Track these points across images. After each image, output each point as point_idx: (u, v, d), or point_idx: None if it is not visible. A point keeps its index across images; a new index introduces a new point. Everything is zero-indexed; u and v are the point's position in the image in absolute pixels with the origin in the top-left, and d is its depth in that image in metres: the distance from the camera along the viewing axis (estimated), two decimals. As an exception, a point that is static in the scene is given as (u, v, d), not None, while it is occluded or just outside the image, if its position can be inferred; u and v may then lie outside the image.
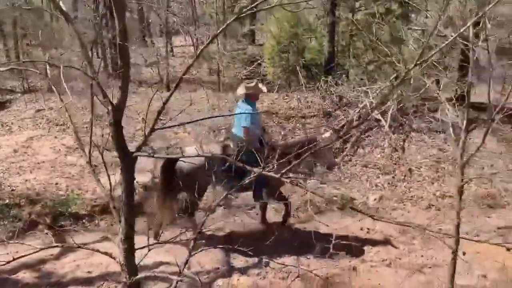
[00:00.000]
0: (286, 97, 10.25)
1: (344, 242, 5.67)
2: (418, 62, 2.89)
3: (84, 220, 6.42)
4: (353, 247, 5.71)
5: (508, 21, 11.27)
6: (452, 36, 4.90)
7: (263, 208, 6.21)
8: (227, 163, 4.18)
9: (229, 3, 13.67)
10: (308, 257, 5.43)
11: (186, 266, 3.19)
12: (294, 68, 10.76)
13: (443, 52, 8.79)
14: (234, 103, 9.88)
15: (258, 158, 3.49)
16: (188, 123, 3.77)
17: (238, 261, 5.36)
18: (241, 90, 5.58)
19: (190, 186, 4.79)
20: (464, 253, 5.81)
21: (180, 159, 5.13)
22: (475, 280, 4.99)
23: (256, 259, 5.24)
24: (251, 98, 5.59)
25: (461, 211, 4.24)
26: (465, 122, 3.22)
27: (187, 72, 2.97)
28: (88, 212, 6.51)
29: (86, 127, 6.38)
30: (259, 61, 12.24)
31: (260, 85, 5.73)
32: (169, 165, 5.36)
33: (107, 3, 11.31)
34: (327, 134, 5.79)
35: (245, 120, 5.33)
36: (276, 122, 9.30)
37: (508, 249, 6.07)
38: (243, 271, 5.19)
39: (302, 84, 10.13)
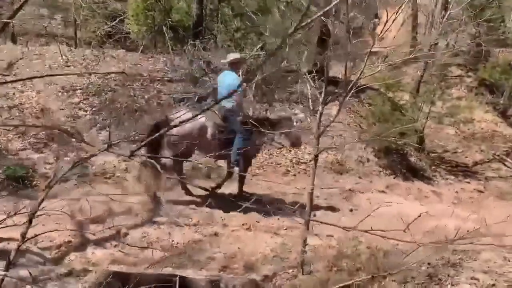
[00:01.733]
0: (151, 59, 9.74)
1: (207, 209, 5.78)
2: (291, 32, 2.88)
3: None
4: (215, 213, 5.83)
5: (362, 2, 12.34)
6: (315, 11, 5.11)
7: (242, 179, 6.14)
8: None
9: None
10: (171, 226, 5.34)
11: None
12: (160, 28, 10.23)
13: (304, 27, 9.20)
14: (93, 60, 9.07)
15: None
16: (31, 78, 3.26)
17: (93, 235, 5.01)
18: (228, 59, 5.78)
19: (179, 148, 5.25)
20: (314, 215, 6.38)
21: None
22: (324, 239, 5.45)
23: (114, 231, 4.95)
24: (237, 67, 5.79)
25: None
26: (323, 95, 3.40)
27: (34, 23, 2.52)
28: None
29: None
30: (122, 17, 11.33)
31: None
32: (157, 129, 5.01)
33: None
34: (300, 115, 6.42)
35: (237, 87, 5.08)
36: (140, 85, 8.81)
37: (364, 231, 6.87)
38: (98, 243, 4.88)
39: (168, 46, 9.71)
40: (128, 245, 4.40)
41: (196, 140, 5.38)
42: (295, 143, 6.62)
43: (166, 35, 9.97)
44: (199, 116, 4.26)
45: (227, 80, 5.68)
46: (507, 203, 8.34)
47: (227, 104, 5.57)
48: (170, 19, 10.45)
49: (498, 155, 11.01)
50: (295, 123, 6.15)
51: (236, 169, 5.90)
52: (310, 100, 9.08)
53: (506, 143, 12.00)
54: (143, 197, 5.71)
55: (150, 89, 8.63)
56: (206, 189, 6.17)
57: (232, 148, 5.57)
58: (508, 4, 15.53)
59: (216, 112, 5.61)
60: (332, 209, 6.67)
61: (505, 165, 10.67)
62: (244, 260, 4.57)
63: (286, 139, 6.42)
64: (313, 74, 8.38)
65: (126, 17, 11.21)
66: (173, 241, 4.96)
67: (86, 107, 7.72)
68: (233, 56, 5.89)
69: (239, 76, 5.89)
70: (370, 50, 3.27)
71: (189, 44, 9.48)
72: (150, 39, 10.43)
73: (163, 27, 10.21)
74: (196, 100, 7.92)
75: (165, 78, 9.08)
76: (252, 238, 5.15)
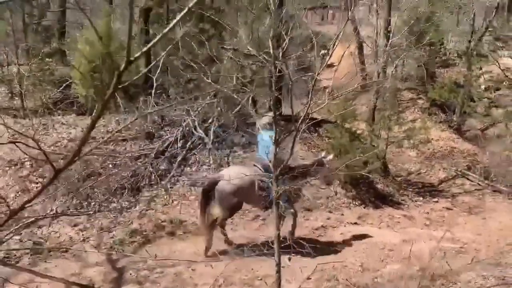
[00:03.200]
0: (103, 120, 9.49)
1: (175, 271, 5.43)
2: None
3: None
4: (185, 273, 5.49)
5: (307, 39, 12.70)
6: (260, 55, 5.10)
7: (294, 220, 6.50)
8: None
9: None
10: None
11: None
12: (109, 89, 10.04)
13: (254, 71, 9.30)
14: (43, 129, 8.74)
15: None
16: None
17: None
18: (265, 120, 6.32)
19: (228, 204, 5.95)
20: (289, 259, 6.13)
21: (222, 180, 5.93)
22: (301, 284, 5.20)
23: None
24: (272, 127, 5.91)
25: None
26: (274, 134, 3.29)
27: None
28: None
29: None
30: (68, 82, 11.11)
31: None
32: (210, 187, 6.05)
33: None
34: (330, 157, 6.68)
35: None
36: (93, 147, 8.50)
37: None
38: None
39: (120, 106, 9.52)
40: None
41: (246, 194, 6.01)
42: (329, 181, 7.60)
43: (116, 95, 9.78)
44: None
45: (266, 139, 5.98)
46: (476, 216, 8.40)
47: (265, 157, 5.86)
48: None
49: (460, 171, 11.22)
50: (327, 165, 6.56)
51: (290, 211, 6.28)
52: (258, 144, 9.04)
53: (465, 158, 12.29)
54: (104, 268, 5.32)
55: (103, 149, 8.34)
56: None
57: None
58: (445, 28, 16.46)
59: (260, 167, 6.14)
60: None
61: (468, 179, 10.85)
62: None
63: (322, 180, 7.15)
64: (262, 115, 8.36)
65: (73, 82, 10.98)
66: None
67: (36, 178, 7.32)
68: (269, 118, 6.35)
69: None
70: (314, 82, 3.24)
71: (140, 101, 9.33)
72: (100, 101, 10.18)
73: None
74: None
75: (119, 138, 8.82)
76: (226, 294, 4.82)
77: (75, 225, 6.38)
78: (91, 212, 6.48)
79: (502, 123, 13.40)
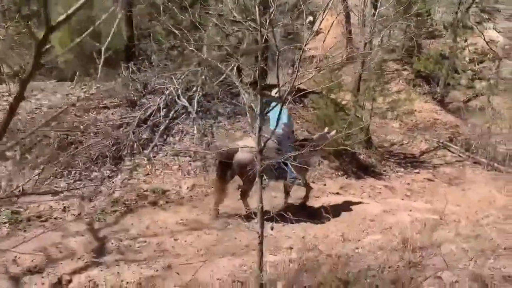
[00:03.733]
0: (83, 87, 9.24)
1: (157, 241, 5.42)
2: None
3: None
4: (168, 243, 5.49)
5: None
6: (246, 21, 4.94)
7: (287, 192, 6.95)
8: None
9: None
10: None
11: None
12: (91, 54, 9.73)
13: (240, 38, 9.08)
14: None
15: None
16: None
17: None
18: (273, 93, 6.22)
19: (245, 174, 6.04)
20: (272, 228, 6.18)
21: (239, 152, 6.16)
22: (283, 253, 5.25)
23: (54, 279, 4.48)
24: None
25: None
26: (259, 108, 3.21)
27: None
28: None
29: None
30: (48, 47, 10.69)
31: None
32: (228, 159, 6.21)
33: None
34: (332, 133, 6.92)
35: (286, 118, 6.40)
36: (74, 115, 8.29)
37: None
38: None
39: (100, 72, 9.23)
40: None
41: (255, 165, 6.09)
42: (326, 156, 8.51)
43: (97, 60, 9.47)
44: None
45: (277, 112, 5.91)
46: (456, 188, 8.56)
47: (279, 131, 6.08)
48: (99, 44, 9.95)
49: (442, 142, 11.36)
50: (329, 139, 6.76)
51: (300, 182, 6.72)
52: (248, 113, 8.93)
53: (447, 130, 12.43)
54: (86, 238, 5.27)
55: (84, 118, 8.13)
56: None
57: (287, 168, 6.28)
58: (432, -2, 16.29)
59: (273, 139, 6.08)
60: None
61: (449, 151, 11.00)
62: (201, 291, 4.26)
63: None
64: (250, 86, 8.27)
65: (53, 46, 10.58)
66: (122, 281, 4.56)
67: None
68: (274, 92, 6.35)
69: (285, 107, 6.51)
70: (302, 53, 3.13)
71: (122, 67, 9.07)
72: (81, 66, 9.88)
73: (93, 52, 9.71)
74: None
75: (101, 106, 8.61)
76: (209, 264, 4.84)
77: (55, 194, 6.27)
78: (62, 191, 6.33)
79: (485, 96, 13.55)
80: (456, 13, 15.39)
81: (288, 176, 6.45)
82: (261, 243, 3.70)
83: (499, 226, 3.90)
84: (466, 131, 11.99)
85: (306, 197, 7.02)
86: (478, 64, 16.82)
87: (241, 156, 6.16)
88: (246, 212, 6.17)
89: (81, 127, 7.92)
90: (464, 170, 9.68)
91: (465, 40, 16.59)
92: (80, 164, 7.12)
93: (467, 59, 16.43)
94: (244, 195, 6.49)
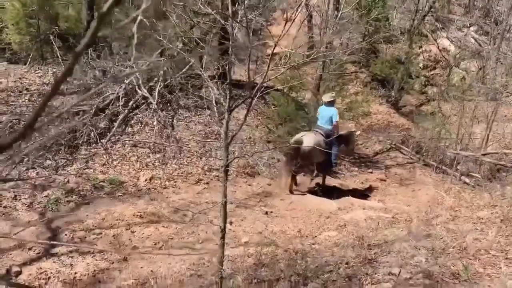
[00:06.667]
0: (38, 71, 8.84)
1: (113, 233, 5.31)
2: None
3: None
4: (124, 235, 5.39)
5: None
6: (213, 13, 4.91)
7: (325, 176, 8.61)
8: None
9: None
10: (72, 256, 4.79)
11: None
12: (47, 38, 9.33)
13: (206, 30, 9.01)
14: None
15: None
16: None
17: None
18: (327, 98, 8.15)
19: (309, 159, 8.02)
20: (231, 223, 6.21)
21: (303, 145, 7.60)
22: (242, 247, 5.30)
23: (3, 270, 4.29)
24: (332, 103, 8.15)
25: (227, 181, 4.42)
26: (227, 102, 3.22)
27: None
28: None
29: None
30: (0, 26, 10.14)
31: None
32: (296, 149, 7.54)
33: None
34: (358, 133, 8.96)
35: (336, 116, 8.03)
36: (27, 100, 7.93)
37: (266, 212, 6.85)
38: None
39: (57, 56, 8.88)
40: (19, 285, 3.79)
41: (316, 153, 7.65)
42: (350, 153, 9.69)
43: (54, 44, 9.11)
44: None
45: (327, 112, 8.07)
46: (406, 188, 8.95)
47: (329, 127, 8.01)
48: (57, 27, 9.56)
49: (395, 144, 11.81)
50: (356, 137, 9.04)
51: (334, 164, 8.43)
52: (215, 107, 8.92)
53: (400, 132, 12.94)
54: (37, 228, 5.08)
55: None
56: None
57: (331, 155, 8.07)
58: (391, 4, 16.85)
59: (322, 133, 8.00)
60: (247, 214, 6.55)
61: (401, 152, 11.47)
62: (158, 285, 4.22)
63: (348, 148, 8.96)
64: (215, 80, 8.24)
65: (6, 26, 10.05)
66: (76, 273, 4.44)
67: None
68: (330, 96, 8.19)
69: (335, 109, 8.25)
70: (273, 51, 3.17)
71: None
72: (36, 49, 9.43)
73: (50, 36, 9.31)
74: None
75: (57, 91, 8.27)
76: (166, 257, 4.80)
77: (5, 181, 5.99)
78: (13, 179, 6.05)
79: (436, 101, 14.20)
80: (413, 20, 16.00)
81: (332, 159, 8.15)
82: (223, 238, 3.71)
83: (448, 226, 4.13)
84: (417, 134, 12.53)
85: (324, 180, 8.56)
86: (431, 71, 17.62)
87: (304, 147, 7.61)
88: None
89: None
90: (415, 172, 10.13)
91: (420, 47, 17.33)
92: (33, 152, 6.83)
93: (421, 65, 17.16)
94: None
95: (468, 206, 4.99)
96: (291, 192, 7.85)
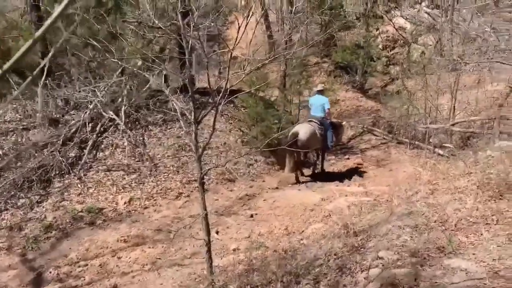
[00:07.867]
0: (-3, 110, 8.58)
1: (99, 263, 5.20)
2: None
3: None
4: (111, 262, 5.29)
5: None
6: (165, 27, 4.86)
7: (323, 159, 9.38)
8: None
9: None
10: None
11: None
12: (2, 74, 9.04)
13: (164, 44, 8.93)
14: None
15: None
16: None
17: None
18: (319, 87, 9.01)
19: (308, 148, 8.71)
20: (217, 232, 6.18)
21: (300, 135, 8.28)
22: (231, 255, 5.27)
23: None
24: (322, 92, 8.92)
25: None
26: (193, 114, 3.19)
27: None
28: None
29: None
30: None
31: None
32: (294, 141, 8.03)
33: None
34: (344, 123, 10.19)
35: (328, 104, 8.74)
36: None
37: (251, 215, 6.83)
38: None
39: (15, 90, 8.62)
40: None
41: (313, 140, 8.45)
42: (340, 140, 10.16)
43: (10, 80, 8.83)
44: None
45: (320, 100, 8.78)
46: (383, 169, 9.08)
47: (322, 114, 8.71)
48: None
49: (366, 127, 11.99)
50: (344, 128, 10.21)
51: (330, 147, 9.04)
52: (181, 121, 8.82)
53: (370, 115, 13.14)
54: (20, 271, 4.91)
55: (3, 143, 7.57)
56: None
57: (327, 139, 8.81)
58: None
59: (316, 121, 8.65)
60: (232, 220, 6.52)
61: (374, 134, 11.65)
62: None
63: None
64: (177, 94, 8.19)
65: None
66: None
67: None
68: (321, 86, 9.06)
69: (326, 97, 9.01)
70: (231, 57, 3.16)
71: (40, 84, 8.54)
72: (-9, 87, 9.13)
73: (5, 73, 9.02)
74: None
75: (20, 127, 8.06)
76: (157, 278, 4.73)
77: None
78: None
79: (399, 80, 14.48)
80: (366, 3, 16.29)
81: (328, 143, 8.79)
82: (209, 251, 3.69)
83: (428, 200, 4.22)
84: (387, 114, 12.74)
85: (322, 164, 9.27)
86: (390, 51, 17.96)
87: (301, 137, 8.23)
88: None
89: (1, 152, 7.38)
90: (390, 151, 10.30)
91: (377, 29, 17.64)
92: (4, 193, 6.63)
93: (380, 46, 17.46)
94: (301, 163, 9.06)
95: (445, 178, 5.09)
96: (298, 181, 8.43)
